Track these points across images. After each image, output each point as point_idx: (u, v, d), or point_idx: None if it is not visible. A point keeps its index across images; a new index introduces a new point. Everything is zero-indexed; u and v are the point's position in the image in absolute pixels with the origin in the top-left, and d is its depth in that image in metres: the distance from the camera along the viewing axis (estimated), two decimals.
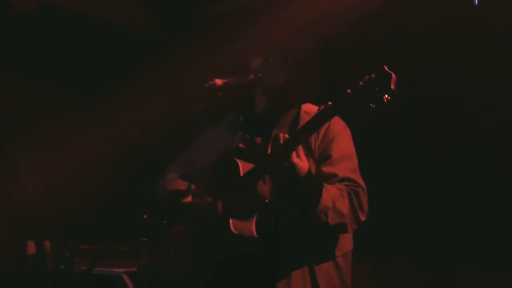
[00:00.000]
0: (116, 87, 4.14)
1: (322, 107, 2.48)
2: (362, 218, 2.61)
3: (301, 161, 2.46)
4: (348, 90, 2.30)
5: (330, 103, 2.37)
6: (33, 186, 4.07)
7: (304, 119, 2.72)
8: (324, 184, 2.54)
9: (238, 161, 2.63)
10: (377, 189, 2.79)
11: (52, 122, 4.11)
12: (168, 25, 4.47)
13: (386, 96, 2.20)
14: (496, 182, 3.74)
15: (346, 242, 2.70)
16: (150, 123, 4.00)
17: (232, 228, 2.53)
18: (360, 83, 2.27)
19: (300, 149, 2.47)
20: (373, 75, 2.25)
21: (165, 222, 3.01)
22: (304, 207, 2.52)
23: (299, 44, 2.87)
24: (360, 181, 2.66)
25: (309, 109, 2.81)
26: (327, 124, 2.63)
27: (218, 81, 2.72)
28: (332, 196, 2.52)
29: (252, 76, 2.75)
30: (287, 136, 2.44)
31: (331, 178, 2.62)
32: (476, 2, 3.58)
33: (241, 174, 2.58)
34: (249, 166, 2.61)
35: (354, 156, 2.74)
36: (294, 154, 2.44)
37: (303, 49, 2.88)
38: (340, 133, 2.73)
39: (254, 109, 2.86)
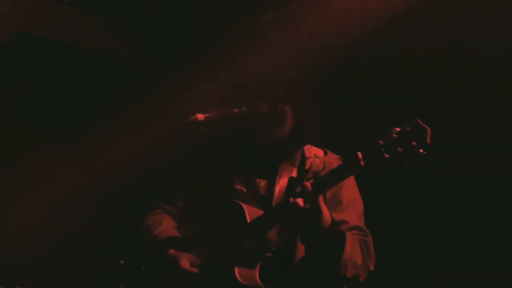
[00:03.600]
0: (91, 121, 3.99)
1: (328, 153, 2.58)
2: (371, 268, 2.61)
3: (325, 211, 2.41)
4: (380, 141, 2.20)
5: (359, 153, 2.25)
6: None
7: (314, 162, 2.68)
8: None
9: (243, 205, 2.57)
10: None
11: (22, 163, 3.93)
12: (150, 55, 4.34)
13: (421, 150, 2.15)
14: None
15: None
16: (131, 159, 3.84)
17: (238, 276, 2.46)
18: (394, 135, 2.18)
19: (321, 199, 2.41)
20: (407, 128, 2.17)
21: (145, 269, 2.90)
22: (324, 259, 2.49)
23: (288, 74, 2.77)
24: (366, 228, 2.67)
25: (317, 152, 2.75)
26: None
27: (200, 116, 2.59)
28: (351, 248, 2.49)
29: (235, 110, 2.63)
30: (309, 186, 2.35)
31: (342, 225, 2.58)
32: None
33: (248, 219, 2.52)
34: (255, 211, 2.55)
35: (360, 202, 2.73)
36: (322, 204, 2.38)
37: (293, 80, 2.76)
38: (348, 179, 2.63)
39: (249, 145, 2.76)
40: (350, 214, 2.64)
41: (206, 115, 2.60)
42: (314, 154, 2.74)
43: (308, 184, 2.35)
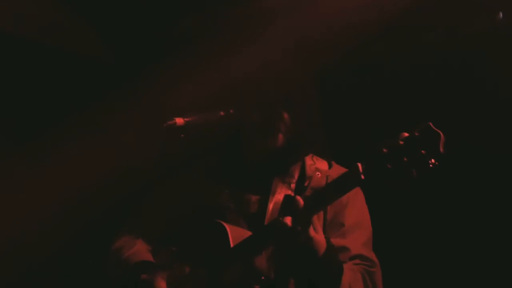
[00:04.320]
0: (53, 128, 3.68)
1: (333, 165, 2.38)
2: None
3: (318, 235, 2.17)
4: (384, 149, 1.96)
5: (359, 164, 2.01)
6: None
7: (315, 177, 2.45)
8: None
9: (226, 226, 2.32)
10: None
11: None
12: (125, 53, 4.04)
13: (433, 160, 1.89)
14: None
15: None
16: (102, 171, 3.52)
17: None
18: (400, 142, 1.94)
19: (316, 220, 2.18)
20: (416, 133, 1.93)
21: None
22: None
23: (284, 72, 2.52)
24: (372, 255, 2.40)
25: (319, 164, 2.51)
26: None
27: (179, 120, 2.38)
28: (350, 280, 2.24)
29: (222, 113, 2.44)
30: (301, 202, 2.11)
31: (342, 252, 2.32)
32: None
33: (231, 243, 2.28)
34: (241, 232, 2.32)
35: (368, 225, 2.47)
36: (311, 227, 2.13)
37: (290, 79, 2.51)
38: (354, 197, 2.44)
39: (238, 155, 2.55)
40: (352, 239, 2.37)
41: (186, 119, 2.38)
42: (315, 166, 2.50)
43: (299, 199, 2.11)
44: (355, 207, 2.44)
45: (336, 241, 2.30)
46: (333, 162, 2.51)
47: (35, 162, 3.57)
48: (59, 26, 3.89)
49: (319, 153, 2.55)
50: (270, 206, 2.38)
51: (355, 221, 2.40)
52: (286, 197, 2.21)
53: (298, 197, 2.11)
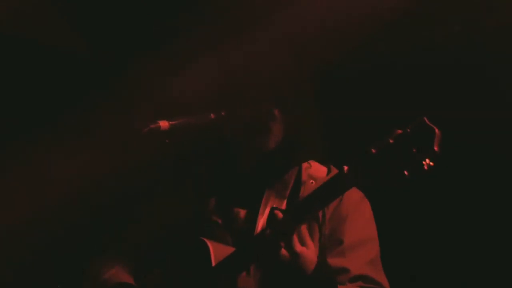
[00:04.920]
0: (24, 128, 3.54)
1: (333, 170, 2.16)
2: None
3: (307, 249, 2.00)
4: (373, 150, 1.80)
5: (345, 167, 1.86)
6: None
7: (308, 185, 2.25)
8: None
9: (208, 243, 2.14)
10: None
11: None
12: (106, 48, 3.88)
13: (428, 161, 1.72)
14: None
15: None
16: (77, 180, 3.35)
17: None
18: (390, 140, 1.78)
19: (305, 230, 2.02)
20: (408, 129, 1.77)
21: None
22: None
23: (279, 68, 2.33)
24: (381, 277, 2.17)
25: (315, 171, 2.32)
26: None
27: (163, 124, 2.18)
28: None
29: (213, 116, 2.25)
30: (279, 213, 1.96)
31: (341, 274, 2.12)
32: None
33: (213, 262, 2.10)
34: (226, 250, 2.14)
35: (374, 241, 2.23)
36: (295, 239, 1.97)
37: (284, 75, 2.32)
38: (356, 209, 2.23)
39: (228, 163, 2.37)
40: (353, 258, 2.15)
41: (172, 122, 2.20)
42: (309, 173, 2.31)
43: (277, 212, 1.96)
44: (356, 220, 2.23)
45: (334, 261, 2.12)
46: (332, 167, 2.32)
47: (10, 161, 3.44)
48: (38, 20, 3.74)
49: (318, 157, 2.36)
50: (260, 221, 2.20)
51: (357, 237, 2.19)
52: (272, 209, 2.06)
53: (277, 211, 1.97)
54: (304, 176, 2.28)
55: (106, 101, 3.40)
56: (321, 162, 2.37)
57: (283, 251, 1.96)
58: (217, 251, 2.13)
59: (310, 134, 2.30)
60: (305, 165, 2.32)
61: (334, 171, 2.28)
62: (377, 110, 3.33)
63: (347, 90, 3.40)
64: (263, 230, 2.03)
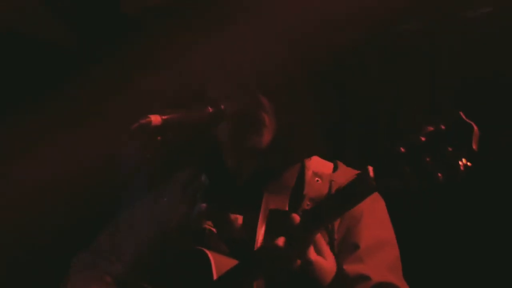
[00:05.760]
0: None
1: (341, 167, 2.11)
2: None
3: (324, 259, 1.87)
4: (402, 149, 1.66)
5: (370, 168, 1.70)
6: None
7: (314, 184, 2.12)
8: None
9: (209, 254, 2.01)
10: None
11: None
12: (93, 40, 3.83)
13: (464, 161, 1.61)
14: None
15: None
16: (57, 178, 3.22)
17: None
18: (422, 138, 1.64)
19: (321, 239, 1.88)
20: (442, 126, 1.63)
21: None
22: None
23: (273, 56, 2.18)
24: (403, 283, 2.02)
25: (320, 168, 2.17)
26: None
27: (156, 118, 2.00)
28: None
29: (210, 109, 2.07)
30: (297, 218, 1.80)
31: (361, 282, 1.97)
32: None
33: (215, 275, 1.97)
34: (227, 261, 2.01)
35: (392, 242, 2.09)
36: (312, 249, 1.83)
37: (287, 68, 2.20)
38: (370, 208, 2.06)
39: (224, 162, 2.24)
40: (372, 264, 2.00)
41: (164, 116, 2.01)
42: (314, 170, 2.16)
43: (295, 216, 1.82)
44: (372, 221, 2.09)
45: (351, 268, 1.96)
46: (339, 163, 2.20)
47: None
48: (21, 11, 3.66)
49: (320, 153, 2.22)
50: (260, 228, 2.07)
51: (374, 240, 2.05)
52: (276, 212, 2.01)
53: (294, 215, 1.82)
54: (307, 174, 2.15)
55: (93, 95, 3.30)
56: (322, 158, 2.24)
57: (298, 262, 1.82)
58: (218, 263, 2.01)
59: (306, 129, 2.19)
60: (307, 161, 2.19)
61: (341, 166, 2.20)
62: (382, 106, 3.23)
63: (346, 89, 3.33)
64: (271, 238, 1.88)
